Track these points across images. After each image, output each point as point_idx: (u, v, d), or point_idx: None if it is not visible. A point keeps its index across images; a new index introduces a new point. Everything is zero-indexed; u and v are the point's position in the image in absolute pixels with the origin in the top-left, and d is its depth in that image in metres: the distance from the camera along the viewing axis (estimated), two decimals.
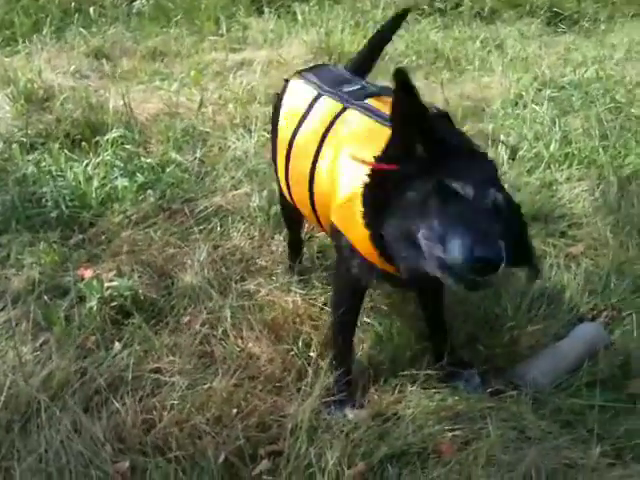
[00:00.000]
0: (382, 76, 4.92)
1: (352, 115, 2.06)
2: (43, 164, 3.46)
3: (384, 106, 1.98)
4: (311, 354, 2.30)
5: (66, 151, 3.59)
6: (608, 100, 4.31)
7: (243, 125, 4.05)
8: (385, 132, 1.83)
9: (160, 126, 4.01)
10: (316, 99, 2.20)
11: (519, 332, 2.39)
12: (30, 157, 3.57)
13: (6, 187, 3.22)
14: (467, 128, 3.66)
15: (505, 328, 2.40)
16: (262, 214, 3.07)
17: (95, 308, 2.42)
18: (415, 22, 6.27)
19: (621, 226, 3.03)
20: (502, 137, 3.84)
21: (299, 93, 2.31)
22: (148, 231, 2.97)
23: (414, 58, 5.40)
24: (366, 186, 1.81)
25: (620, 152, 3.67)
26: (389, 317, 2.46)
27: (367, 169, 1.81)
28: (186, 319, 2.45)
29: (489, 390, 2.17)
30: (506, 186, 1.92)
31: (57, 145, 3.64)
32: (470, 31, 6.16)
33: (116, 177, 3.31)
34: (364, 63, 2.58)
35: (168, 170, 3.45)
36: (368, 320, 2.45)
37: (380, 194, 1.77)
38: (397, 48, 5.56)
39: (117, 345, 2.28)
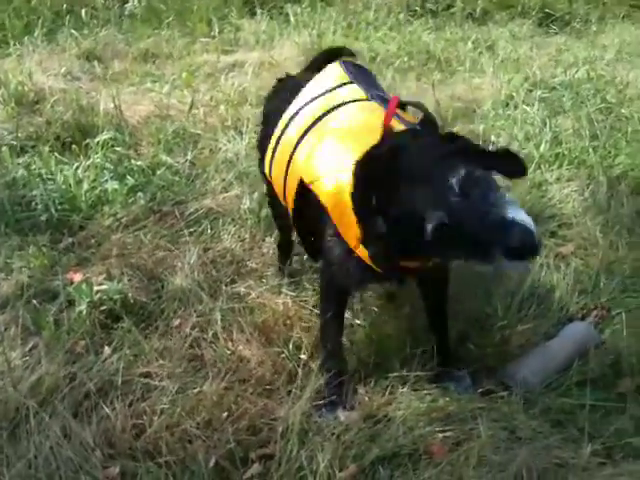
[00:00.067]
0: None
1: (371, 105, 2.08)
2: (33, 167, 3.45)
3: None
4: (302, 356, 2.29)
5: (56, 154, 3.58)
6: (599, 100, 4.33)
7: (234, 127, 4.04)
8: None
9: (151, 128, 4.00)
10: (346, 84, 2.22)
11: (510, 331, 2.39)
12: (20, 160, 3.55)
13: None
14: (458, 129, 3.67)
15: (496, 328, 2.41)
16: (253, 216, 3.07)
17: (84, 312, 2.41)
18: (407, 23, 6.29)
19: (611, 226, 3.04)
20: (493, 138, 3.85)
21: (333, 76, 2.31)
22: (138, 234, 2.96)
23: (406, 59, 5.39)
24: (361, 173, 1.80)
25: (610, 152, 3.69)
26: (379, 318, 2.46)
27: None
28: (176, 322, 2.44)
29: (480, 390, 2.17)
30: None
31: (47, 148, 3.63)
32: (462, 32, 6.16)
33: (106, 180, 3.30)
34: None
35: (159, 172, 3.44)
36: (359, 321, 2.45)
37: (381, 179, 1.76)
38: (389, 49, 5.57)
39: (107, 349, 2.27)
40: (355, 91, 2.18)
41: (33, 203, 3.12)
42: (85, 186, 3.25)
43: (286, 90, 2.41)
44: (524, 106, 4.24)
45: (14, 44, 5.35)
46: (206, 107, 4.36)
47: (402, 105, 2.13)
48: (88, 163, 3.44)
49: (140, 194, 3.23)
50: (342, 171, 1.86)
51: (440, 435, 1.98)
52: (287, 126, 2.23)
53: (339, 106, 2.12)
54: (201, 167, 3.60)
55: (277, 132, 2.27)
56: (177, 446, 1.91)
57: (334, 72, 2.31)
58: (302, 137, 2.12)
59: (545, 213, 3.21)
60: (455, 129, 3.24)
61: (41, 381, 2.08)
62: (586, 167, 3.57)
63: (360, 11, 6.54)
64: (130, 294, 2.54)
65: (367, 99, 2.13)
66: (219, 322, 2.40)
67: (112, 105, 4.05)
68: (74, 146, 3.66)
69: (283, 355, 2.30)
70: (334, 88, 2.21)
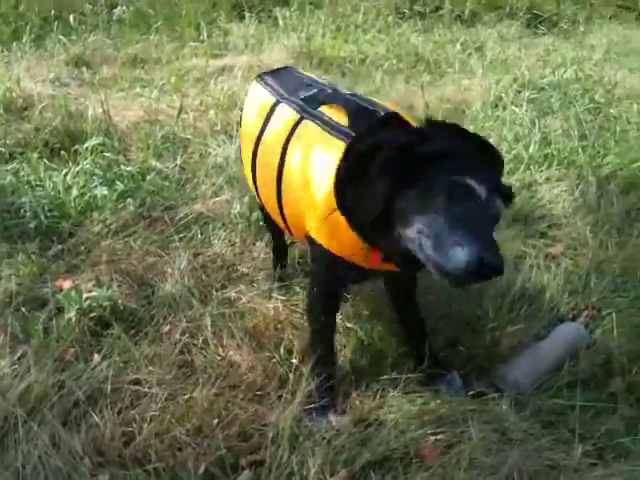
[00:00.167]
0: (362, 80, 5.00)
1: (307, 126, 2.05)
2: (22, 174, 3.43)
3: (336, 114, 1.99)
4: (293, 361, 2.29)
5: (45, 160, 3.56)
6: (587, 101, 4.36)
7: (224, 131, 4.04)
8: (337, 145, 1.86)
9: (140, 133, 3.99)
10: (274, 106, 2.20)
11: (500, 333, 2.39)
12: (8, 167, 3.53)
13: None
14: None
15: (486, 329, 2.40)
16: (243, 221, 3.06)
17: (74, 319, 2.38)
18: (395, 26, 6.31)
19: (600, 225, 3.05)
20: None
21: (258, 99, 2.32)
22: (128, 240, 2.94)
23: (395, 62, 5.41)
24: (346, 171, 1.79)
25: (599, 152, 3.70)
26: (370, 322, 2.46)
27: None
28: (166, 328, 2.42)
29: (471, 393, 2.17)
30: None
31: (36, 154, 3.61)
32: (450, 34, 6.19)
33: (95, 186, 3.27)
34: None
35: (148, 178, 3.42)
36: (350, 325, 2.44)
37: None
38: (378, 52, 5.59)
39: (96, 357, 2.25)
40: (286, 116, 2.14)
41: (22, 210, 3.09)
42: (74, 192, 3.23)
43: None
44: (513, 107, 4.27)
45: (2, 50, 5.37)
46: (195, 112, 4.35)
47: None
48: (77, 169, 3.42)
49: (130, 200, 3.21)
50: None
51: (431, 438, 1.97)
52: (254, 165, 2.24)
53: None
54: (191, 172, 3.59)
55: (247, 154, 2.28)
56: (167, 453, 1.90)
57: (258, 95, 2.33)
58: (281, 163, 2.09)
59: (535, 213, 3.22)
60: None
61: (30, 389, 2.06)
62: (575, 167, 3.58)
63: (349, 14, 6.57)
64: (120, 300, 2.52)
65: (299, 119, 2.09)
66: (209, 327, 2.38)
67: (101, 110, 4.03)
68: (63, 152, 3.63)
69: (274, 360, 2.29)
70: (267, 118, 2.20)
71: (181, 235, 3.00)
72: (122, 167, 3.49)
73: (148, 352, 2.30)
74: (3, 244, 2.89)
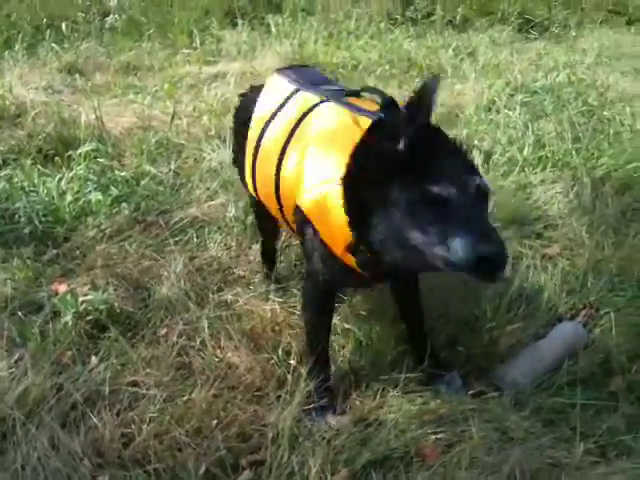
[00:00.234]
0: (355, 86, 4.99)
1: (327, 107, 2.04)
2: (15, 180, 3.42)
3: (363, 104, 1.99)
4: (291, 362, 2.28)
5: (39, 166, 3.56)
6: (580, 103, 4.38)
7: (218, 136, 4.03)
8: (357, 129, 1.85)
9: (134, 139, 3.99)
10: (293, 94, 2.18)
11: (499, 333, 2.38)
12: (2, 173, 3.53)
13: None
14: None
15: (485, 329, 2.40)
16: (238, 224, 3.06)
17: (70, 323, 2.37)
18: (388, 32, 6.34)
19: (596, 226, 3.05)
20: (476, 142, 3.87)
21: (277, 89, 2.27)
22: (123, 244, 2.93)
23: (387, 67, 5.44)
24: (345, 185, 1.79)
25: (593, 154, 3.71)
26: (369, 322, 2.45)
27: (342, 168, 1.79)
28: (163, 331, 2.41)
29: (471, 392, 2.16)
30: None
31: (29, 161, 3.61)
32: (442, 40, 6.23)
33: (90, 191, 3.27)
34: None
35: (142, 183, 3.43)
36: (348, 326, 2.43)
37: (359, 193, 1.75)
38: (370, 58, 5.61)
39: (93, 359, 2.23)
40: (309, 99, 2.13)
41: (16, 216, 3.08)
42: (68, 198, 3.22)
43: (254, 103, 2.36)
44: (506, 110, 4.29)
45: None
46: (189, 117, 4.36)
47: (357, 93, 2.11)
48: (71, 175, 3.42)
49: (124, 204, 3.20)
50: (328, 182, 1.84)
51: (432, 437, 1.96)
52: (259, 145, 2.21)
53: (304, 118, 2.08)
54: (185, 176, 3.59)
55: (250, 150, 2.25)
56: (166, 454, 1.88)
57: (278, 85, 2.29)
58: (282, 154, 2.07)
59: (531, 215, 3.22)
60: None
61: (27, 392, 2.04)
62: (570, 169, 3.59)
63: (341, 20, 6.60)
64: (116, 304, 2.50)
65: (319, 102, 2.08)
66: (206, 330, 2.37)
67: (94, 117, 4.03)
68: (57, 158, 3.64)
69: (272, 361, 2.27)
70: (284, 103, 2.18)
71: (176, 239, 2.99)
72: (116, 172, 3.49)
73: (145, 354, 2.28)
74: None
